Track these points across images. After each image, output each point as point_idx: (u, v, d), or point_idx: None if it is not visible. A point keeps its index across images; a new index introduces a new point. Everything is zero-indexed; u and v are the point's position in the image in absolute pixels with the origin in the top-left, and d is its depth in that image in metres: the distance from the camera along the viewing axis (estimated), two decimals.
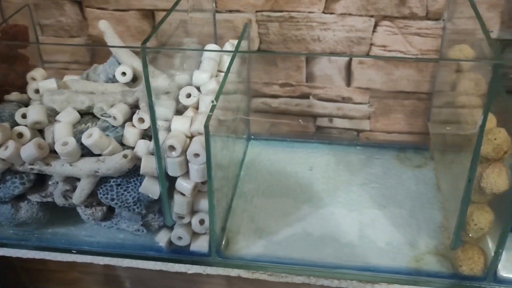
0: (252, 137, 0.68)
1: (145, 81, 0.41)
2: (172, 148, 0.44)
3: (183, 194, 0.46)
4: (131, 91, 0.51)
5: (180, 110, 0.49)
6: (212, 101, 0.43)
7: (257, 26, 0.64)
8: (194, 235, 0.50)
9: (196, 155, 0.44)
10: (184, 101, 0.48)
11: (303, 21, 0.64)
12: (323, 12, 0.63)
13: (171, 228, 0.50)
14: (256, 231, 0.53)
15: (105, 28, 0.56)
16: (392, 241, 0.52)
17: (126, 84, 0.53)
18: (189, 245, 0.50)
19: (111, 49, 0.56)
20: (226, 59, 0.55)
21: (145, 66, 0.41)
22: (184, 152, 0.45)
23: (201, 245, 0.50)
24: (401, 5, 0.60)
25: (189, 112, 0.48)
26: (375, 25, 0.63)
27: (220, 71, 0.54)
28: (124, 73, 0.52)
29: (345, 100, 0.70)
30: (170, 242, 0.50)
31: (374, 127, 0.68)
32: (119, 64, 0.54)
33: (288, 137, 0.68)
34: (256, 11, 0.64)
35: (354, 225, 0.53)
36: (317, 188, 0.58)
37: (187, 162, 0.45)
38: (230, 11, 0.64)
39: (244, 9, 0.64)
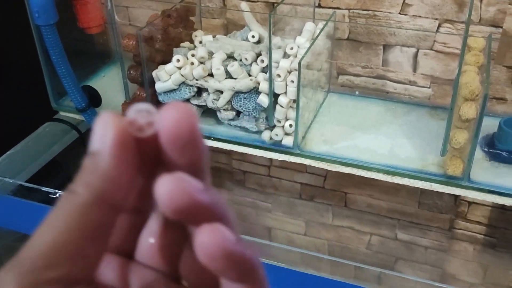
0: (332, 91, 0.98)
1: (268, 38, 0.73)
2: (278, 76, 0.76)
3: (281, 106, 0.78)
4: (257, 46, 0.84)
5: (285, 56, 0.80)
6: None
7: (349, 20, 0.93)
8: (286, 134, 0.81)
9: (291, 81, 0.76)
10: (288, 51, 0.80)
11: (383, 19, 0.90)
12: (399, 13, 0.89)
13: (271, 128, 0.81)
14: (323, 141, 0.84)
15: (244, 7, 0.89)
16: (412, 152, 0.80)
17: (254, 43, 0.86)
18: (281, 140, 0.81)
19: (246, 21, 0.89)
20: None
21: (269, 29, 0.73)
22: (285, 79, 0.76)
23: (289, 141, 0.81)
24: (459, 11, 0.83)
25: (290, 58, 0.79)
26: (438, 26, 0.86)
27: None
28: (253, 36, 0.85)
29: (411, 83, 0.96)
30: (270, 138, 0.82)
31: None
32: (250, 31, 0.87)
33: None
34: (349, 9, 0.92)
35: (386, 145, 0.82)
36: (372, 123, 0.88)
37: (286, 85, 0.77)
38: (330, 7, 0.93)
39: (341, 6, 0.91)
